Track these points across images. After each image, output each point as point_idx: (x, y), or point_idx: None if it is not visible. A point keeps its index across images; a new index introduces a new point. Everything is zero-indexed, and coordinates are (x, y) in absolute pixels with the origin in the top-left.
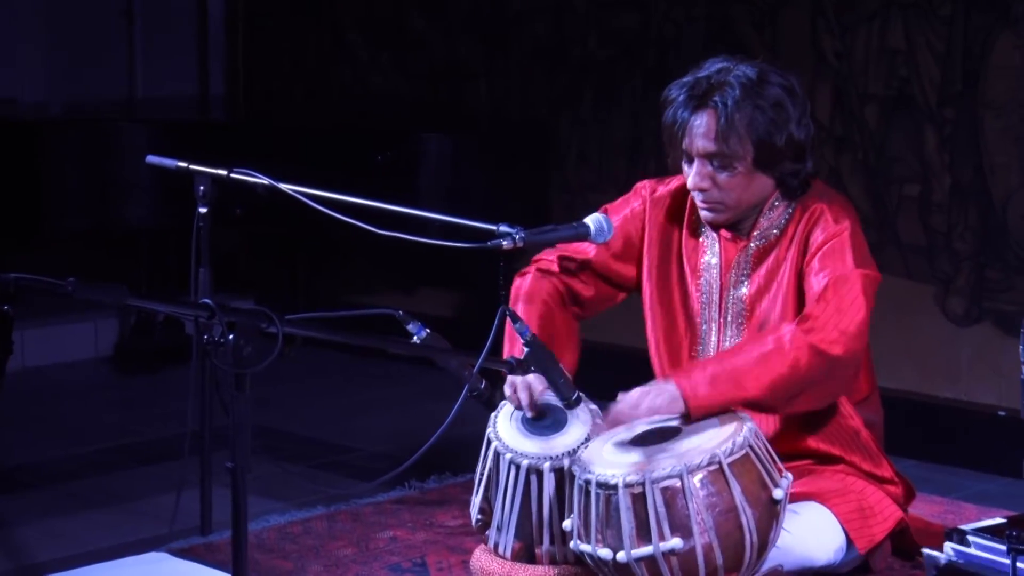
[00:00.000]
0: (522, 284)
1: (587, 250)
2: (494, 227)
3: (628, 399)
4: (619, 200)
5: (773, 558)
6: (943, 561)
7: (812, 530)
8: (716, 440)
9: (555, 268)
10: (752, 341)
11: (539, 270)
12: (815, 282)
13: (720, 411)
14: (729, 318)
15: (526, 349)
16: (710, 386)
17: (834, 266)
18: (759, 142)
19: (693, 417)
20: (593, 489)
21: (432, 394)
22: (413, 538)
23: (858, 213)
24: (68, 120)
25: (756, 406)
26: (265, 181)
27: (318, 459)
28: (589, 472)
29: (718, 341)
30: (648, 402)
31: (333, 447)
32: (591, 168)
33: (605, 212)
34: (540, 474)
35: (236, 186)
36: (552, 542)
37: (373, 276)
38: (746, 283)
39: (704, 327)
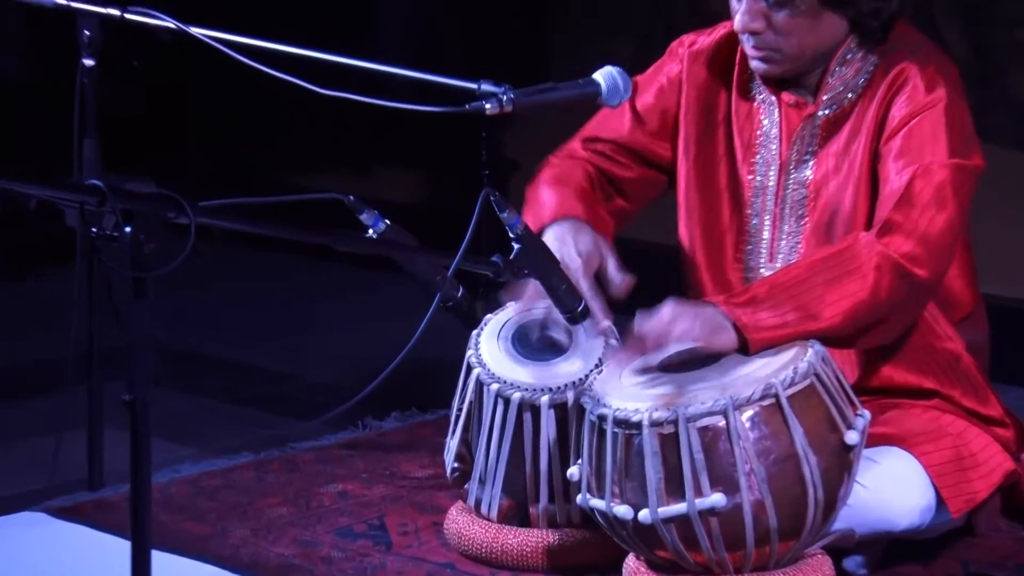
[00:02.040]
0: (540, 173)
1: (617, 128)
2: (474, 86)
3: (659, 316)
4: (651, 68)
5: (843, 519)
6: None
7: (894, 484)
8: (772, 367)
9: (582, 154)
10: (819, 257)
11: (561, 159)
12: (894, 173)
13: (785, 342)
14: (787, 209)
15: (516, 245)
16: (775, 314)
17: (920, 153)
18: None
19: (753, 352)
20: (609, 428)
21: (393, 306)
22: (369, 493)
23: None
24: None
25: (826, 340)
26: (171, 24)
27: (244, 391)
28: (603, 406)
29: (772, 239)
30: (685, 325)
31: (264, 375)
32: (602, 14)
33: (636, 86)
34: (536, 410)
35: (133, 30)
36: (551, 498)
37: (316, 151)
38: (811, 163)
39: (755, 220)
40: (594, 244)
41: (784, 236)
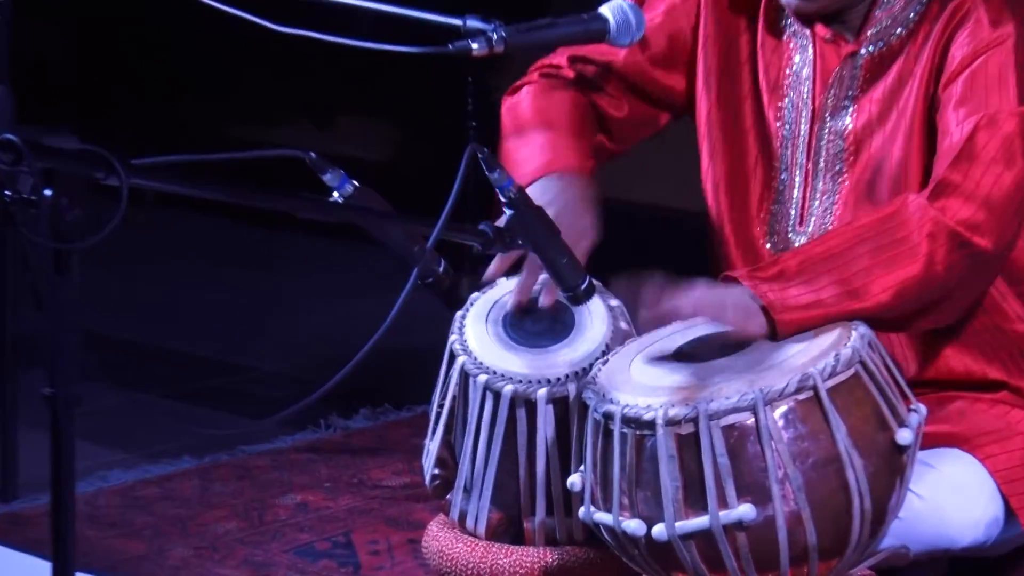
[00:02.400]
0: (518, 104)
1: (611, 49)
2: (458, 22)
3: (683, 295)
4: None
5: (894, 535)
6: None
7: (954, 493)
8: (809, 354)
9: (568, 74)
10: (862, 224)
11: (545, 76)
12: (953, 124)
13: (819, 326)
14: (822, 162)
15: (508, 211)
16: (809, 291)
17: (985, 99)
18: None
19: (781, 336)
20: (616, 427)
21: (362, 283)
22: (333, 506)
23: None
24: None
25: (875, 321)
26: None
27: (186, 384)
28: (610, 401)
29: (802, 198)
30: (708, 305)
31: (211, 366)
32: None
33: (638, 1)
34: (532, 406)
35: None
36: (549, 511)
37: (272, 101)
38: (851, 110)
39: (783, 174)
40: (591, 208)
41: (817, 196)
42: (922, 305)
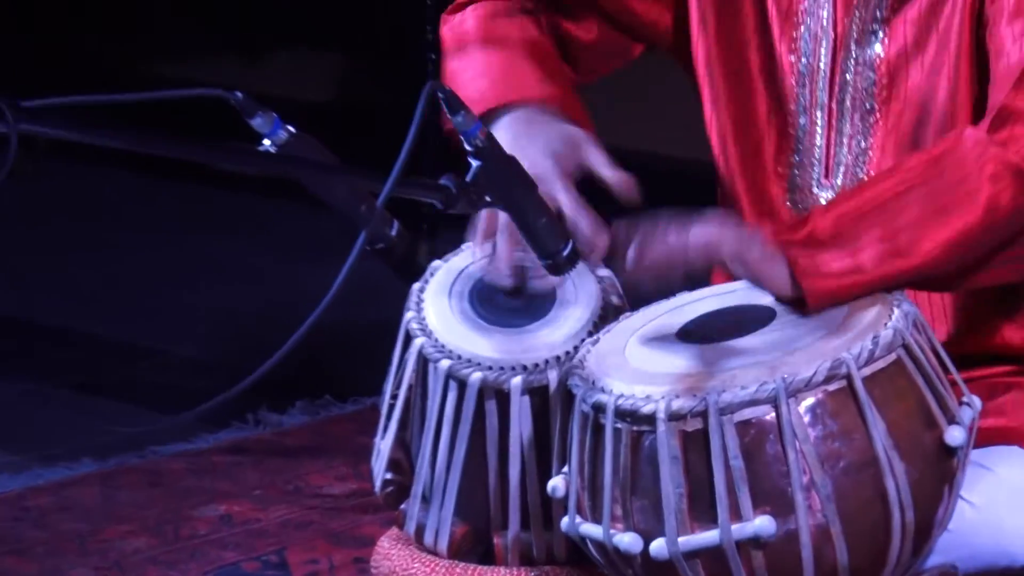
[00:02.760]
0: (461, 24)
1: None
2: None
3: (690, 228)
4: None
5: (942, 551)
6: None
7: (1014, 500)
8: (842, 335)
9: None
10: (907, 166)
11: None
12: (1009, 41)
13: (859, 296)
14: (848, 100)
15: (474, 162)
16: (845, 254)
17: None
18: None
19: (812, 308)
20: (608, 422)
21: (299, 250)
22: (264, 518)
23: None
24: None
25: (922, 281)
26: None
27: (86, 372)
28: (601, 390)
29: (827, 144)
30: (723, 241)
31: (116, 350)
32: None
33: None
34: (504, 397)
35: None
36: (525, 523)
37: (189, 33)
38: (881, 35)
39: (802, 118)
40: (566, 138)
41: (844, 141)
42: (978, 259)
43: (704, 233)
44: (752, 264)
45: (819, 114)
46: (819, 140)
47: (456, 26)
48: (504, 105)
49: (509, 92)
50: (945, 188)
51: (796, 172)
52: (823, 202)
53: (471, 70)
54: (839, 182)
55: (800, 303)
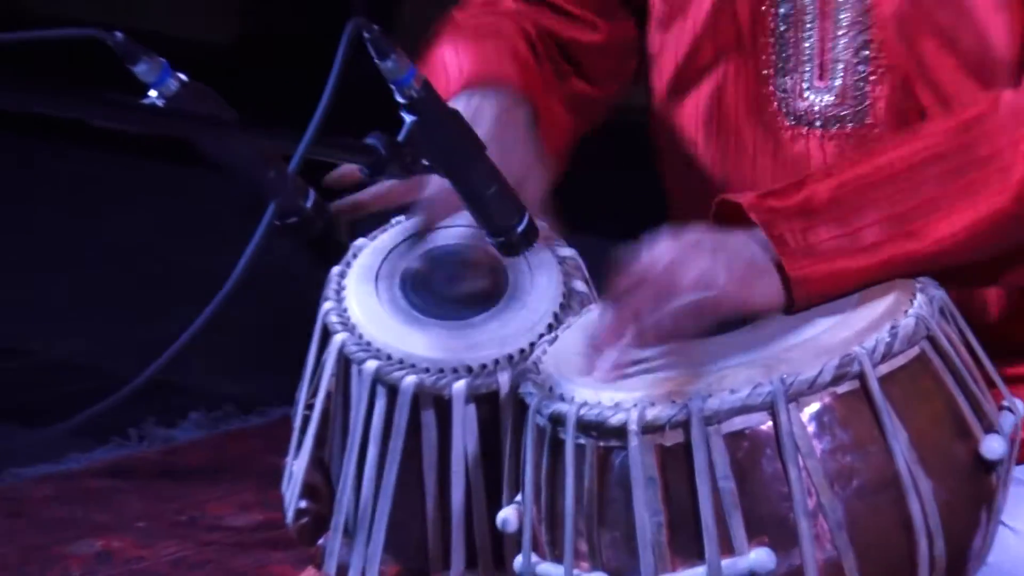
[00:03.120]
0: (438, 42)
1: None
2: None
3: (651, 258)
4: None
5: None
6: None
7: None
8: (853, 326)
9: (508, 2)
10: (930, 133)
11: (469, 11)
12: None
13: (861, 286)
14: (845, 17)
15: (408, 118)
16: (846, 231)
17: None
18: None
19: (799, 302)
20: (569, 437)
21: (194, 225)
22: (150, 555)
23: None
24: None
25: (943, 272)
26: None
27: None
28: (560, 398)
29: (821, 34)
30: (699, 268)
31: None
32: None
33: None
34: (444, 405)
35: None
36: (471, 562)
37: None
38: None
39: (782, 25)
40: (520, 160)
41: (843, 29)
42: (1008, 253)
43: (658, 266)
44: (736, 298)
45: (807, 26)
46: (809, 33)
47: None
48: (477, 82)
49: (484, 72)
50: (972, 162)
51: (784, 74)
52: (818, 108)
53: (447, 55)
54: (837, 82)
55: (788, 301)
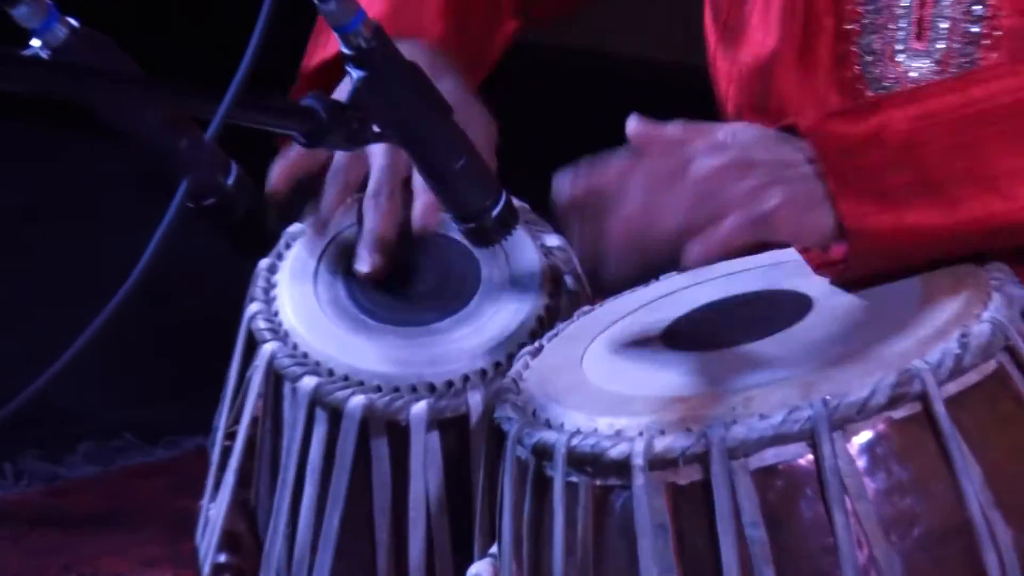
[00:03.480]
0: None
1: None
2: None
3: (668, 149)
4: None
5: None
6: None
7: None
8: (913, 332)
9: None
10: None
11: None
12: None
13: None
14: None
15: (354, 73)
16: (920, 178)
17: None
18: None
19: (852, 269)
20: (559, 473)
21: (87, 207)
22: None
23: None
24: None
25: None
26: None
27: None
28: (545, 425)
29: (917, 17)
30: (741, 185)
31: None
32: None
33: None
34: (401, 433)
35: None
36: None
37: None
38: None
39: None
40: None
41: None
42: None
43: (699, 171)
44: (788, 228)
45: None
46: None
47: None
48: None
49: (402, 24)
50: None
51: (870, 34)
52: (913, 79)
53: None
54: (940, 46)
55: (843, 263)
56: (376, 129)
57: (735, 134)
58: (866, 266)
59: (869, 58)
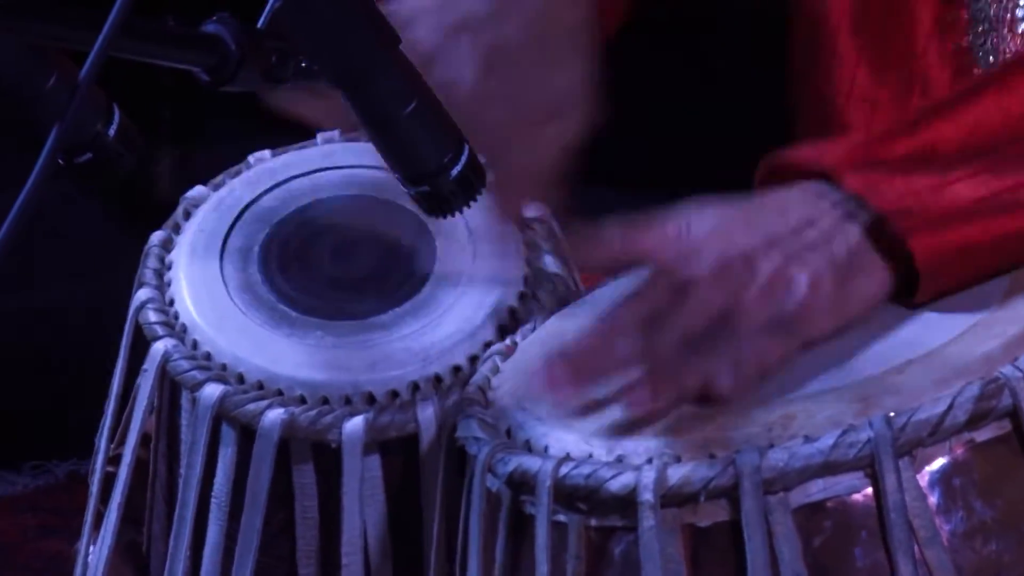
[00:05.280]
0: None
1: None
2: None
3: (697, 241)
4: None
5: None
6: None
7: None
8: (999, 331)
9: None
10: None
11: None
12: None
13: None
14: None
15: None
16: (981, 178)
17: None
18: None
19: (926, 284)
20: (543, 512)
21: None
22: None
23: None
24: None
25: None
26: None
27: None
28: (526, 449)
29: None
30: (765, 263)
31: None
32: None
33: None
34: (331, 456)
35: None
36: None
37: None
38: None
39: None
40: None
41: None
42: None
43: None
44: (832, 310)
45: None
46: None
47: None
48: None
49: None
50: None
51: (980, 33)
52: None
53: None
54: None
55: (905, 286)
56: (302, 64)
57: (691, 226)
58: (939, 290)
59: (981, 28)
